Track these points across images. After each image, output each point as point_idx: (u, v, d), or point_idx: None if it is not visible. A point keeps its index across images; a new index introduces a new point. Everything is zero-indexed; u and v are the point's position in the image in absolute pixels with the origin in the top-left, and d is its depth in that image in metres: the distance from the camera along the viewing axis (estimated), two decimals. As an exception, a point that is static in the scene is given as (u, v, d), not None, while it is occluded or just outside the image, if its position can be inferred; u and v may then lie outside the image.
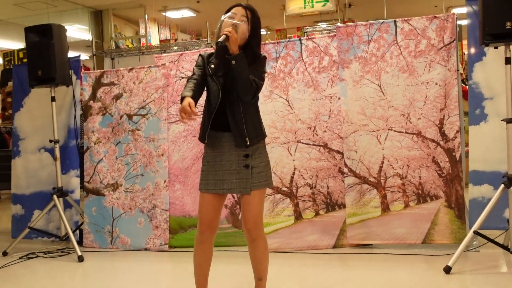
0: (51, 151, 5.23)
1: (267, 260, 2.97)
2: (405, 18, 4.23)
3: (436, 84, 4.12)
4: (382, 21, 4.32)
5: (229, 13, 2.80)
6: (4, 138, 7.95)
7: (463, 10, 4.27)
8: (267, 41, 4.71)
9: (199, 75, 2.85)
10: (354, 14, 11.55)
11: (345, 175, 4.32)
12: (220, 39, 2.66)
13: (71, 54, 5.07)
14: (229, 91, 2.78)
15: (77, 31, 9.56)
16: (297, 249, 4.36)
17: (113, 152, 4.94)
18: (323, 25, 8.20)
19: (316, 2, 8.70)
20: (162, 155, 4.76)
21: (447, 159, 4.11)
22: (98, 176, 4.96)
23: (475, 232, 3.63)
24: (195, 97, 2.74)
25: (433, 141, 4.14)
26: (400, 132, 4.21)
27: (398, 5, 11.36)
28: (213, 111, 2.80)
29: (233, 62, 2.69)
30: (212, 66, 2.82)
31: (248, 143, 2.79)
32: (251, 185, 2.82)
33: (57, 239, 5.09)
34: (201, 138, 2.89)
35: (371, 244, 4.29)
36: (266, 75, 4.43)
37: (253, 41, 2.82)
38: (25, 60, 7.41)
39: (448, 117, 4.10)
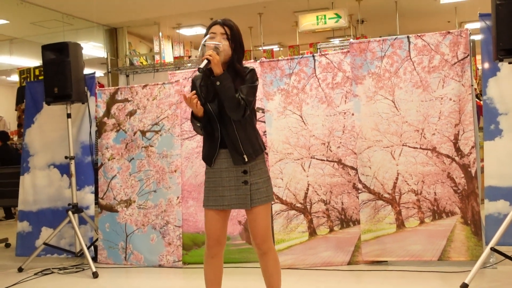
0: (60, 168, 5.25)
1: (279, 273, 2.96)
2: (419, 34, 4.22)
3: (451, 99, 4.09)
4: (395, 37, 4.31)
5: (209, 35, 2.83)
6: (19, 155, 8.02)
7: (476, 25, 4.25)
8: (280, 57, 4.72)
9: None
10: (366, 30, 11.56)
11: (359, 191, 4.29)
12: (201, 65, 2.69)
13: (86, 71, 5.12)
14: (221, 110, 2.80)
15: (92, 48, 9.66)
16: (312, 265, 4.32)
17: (127, 168, 4.95)
18: (336, 41, 8.22)
19: (329, 18, 8.73)
20: (175, 171, 4.76)
21: (462, 175, 4.06)
22: (111, 192, 4.98)
23: (492, 249, 3.58)
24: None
25: (448, 156, 4.10)
26: (414, 147, 4.18)
27: (410, 21, 11.35)
28: (219, 131, 2.82)
29: (217, 83, 2.71)
30: (203, 94, 2.84)
31: (246, 160, 2.81)
32: (251, 201, 2.83)
33: (72, 255, 5.09)
34: (208, 161, 2.91)
35: (386, 261, 4.24)
36: (279, 91, 4.45)
37: (235, 56, 2.84)
38: (41, 77, 7.49)
39: (463, 133, 4.06)
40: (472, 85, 4.09)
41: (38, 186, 5.31)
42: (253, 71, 2.86)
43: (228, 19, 2.87)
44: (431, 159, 4.14)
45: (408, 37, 4.21)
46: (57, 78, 4.80)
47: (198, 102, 2.74)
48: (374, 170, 4.25)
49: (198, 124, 2.83)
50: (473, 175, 4.04)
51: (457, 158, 4.08)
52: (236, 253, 4.56)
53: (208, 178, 2.94)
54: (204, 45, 2.80)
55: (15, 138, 9.15)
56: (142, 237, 4.82)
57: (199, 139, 4.69)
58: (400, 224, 4.21)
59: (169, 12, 8.74)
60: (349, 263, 4.29)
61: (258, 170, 2.88)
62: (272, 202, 2.98)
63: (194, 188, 4.73)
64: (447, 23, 11.90)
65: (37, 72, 8.14)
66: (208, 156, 2.90)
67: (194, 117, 2.83)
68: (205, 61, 2.71)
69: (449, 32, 4.11)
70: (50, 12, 8.03)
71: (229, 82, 2.72)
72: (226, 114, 2.79)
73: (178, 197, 4.73)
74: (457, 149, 4.07)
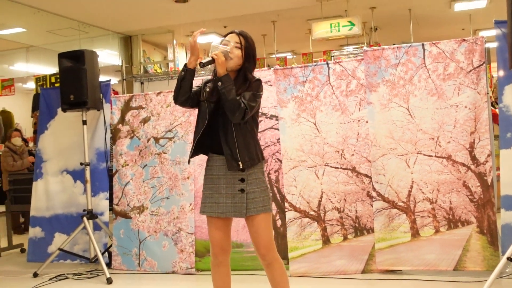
0: (73, 174, 5.27)
1: (286, 282, 2.93)
2: (433, 42, 4.18)
3: (466, 107, 4.04)
4: (410, 44, 4.28)
5: (223, 40, 2.88)
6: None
7: (491, 32, 4.21)
8: (293, 65, 4.71)
9: (194, 91, 2.92)
10: (380, 38, 11.52)
11: (373, 199, 4.25)
12: (203, 60, 2.76)
13: (101, 78, 5.15)
14: (222, 114, 2.82)
15: (108, 56, 9.73)
16: (325, 274, 4.28)
17: (140, 175, 4.96)
18: (349, 49, 8.19)
19: (343, 26, 8.70)
20: (188, 178, 4.76)
21: (478, 184, 4.01)
22: (125, 198, 4.98)
23: (509, 259, 3.51)
24: (191, 85, 2.86)
25: (463, 165, 4.05)
26: (429, 155, 4.14)
27: (424, 29, 11.30)
28: (199, 133, 2.86)
29: (219, 83, 2.74)
30: (207, 89, 2.88)
31: (241, 166, 2.79)
32: (246, 210, 2.81)
33: (86, 261, 5.10)
34: (188, 160, 3.01)
35: (401, 270, 4.19)
36: (292, 98, 4.44)
37: (246, 64, 2.88)
38: (57, 84, 7.56)
39: (478, 141, 4.01)
40: (487, 93, 4.04)
41: (51, 192, 5.32)
42: (259, 81, 2.89)
43: (244, 31, 2.93)
44: (446, 167, 4.09)
45: (423, 45, 4.18)
46: (73, 86, 4.83)
47: (196, 37, 2.79)
48: (388, 178, 4.21)
49: (182, 73, 2.82)
50: (489, 183, 3.98)
51: (472, 167, 4.03)
52: (249, 261, 4.54)
53: (205, 184, 2.95)
54: (214, 46, 2.83)
55: (31, 144, 9.22)
56: (155, 244, 4.81)
57: (212, 146, 4.67)
58: (415, 233, 4.16)
59: (183, 20, 8.78)
60: (363, 272, 4.24)
61: (256, 179, 2.86)
62: (271, 212, 2.96)
63: (208, 195, 4.71)
64: (461, 30, 11.82)
65: (53, 80, 8.22)
66: (189, 158, 2.97)
67: (184, 68, 2.85)
68: (209, 58, 2.77)
69: (464, 40, 4.08)
70: (66, 20, 8.10)
71: (230, 84, 2.75)
72: (227, 118, 2.79)
73: (190, 204, 4.72)
74: (473, 158, 4.02)
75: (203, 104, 2.88)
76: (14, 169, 6.97)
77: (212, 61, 2.77)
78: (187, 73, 2.83)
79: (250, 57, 2.89)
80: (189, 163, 3.08)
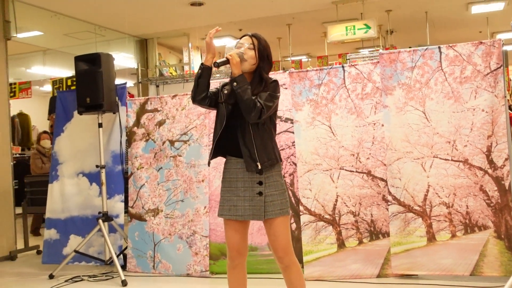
0: (89, 176, 5.30)
1: (303, 286, 2.94)
2: (450, 44, 4.15)
3: (483, 110, 4.00)
4: (426, 47, 4.25)
5: (237, 44, 2.93)
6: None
7: (509, 35, 4.17)
8: (309, 68, 4.70)
9: (212, 91, 2.96)
10: (396, 41, 11.45)
11: (389, 203, 4.23)
12: (218, 60, 2.80)
13: (117, 81, 5.18)
14: (240, 116, 2.83)
15: (123, 59, 9.79)
16: (340, 277, 4.26)
17: (155, 177, 4.98)
18: (365, 52, 8.15)
19: (358, 29, 8.67)
20: (203, 181, 4.77)
21: (495, 188, 3.97)
22: (140, 201, 5.01)
23: (527, 264, 3.47)
24: (208, 84, 2.90)
25: (480, 169, 4.01)
26: (445, 159, 4.10)
27: (440, 32, 11.21)
28: (217, 135, 2.87)
29: (234, 83, 2.77)
30: (225, 91, 2.90)
31: (259, 167, 2.79)
32: (265, 213, 2.81)
33: (101, 263, 5.13)
34: (208, 163, 3.02)
35: (417, 275, 4.16)
36: (308, 101, 4.43)
37: (261, 64, 2.91)
38: (73, 87, 7.63)
39: (496, 145, 3.97)
40: (505, 96, 4.00)
41: (66, 194, 5.36)
42: (276, 82, 2.91)
43: (257, 33, 2.97)
44: (463, 171, 4.05)
45: (439, 48, 4.15)
46: (89, 88, 4.87)
47: (212, 34, 2.84)
48: (404, 182, 4.19)
49: (199, 71, 2.86)
50: (506, 188, 3.94)
51: (490, 171, 3.99)
52: (264, 264, 4.53)
53: (223, 187, 2.96)
54: (228, 49, 2.89)
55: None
56: (169, 247, 4.83)
57: (227, 149, 4.68)
58: (431, 237, 4.12)
59: (198, 24, 8.81)
60: (378, 276, 4.22)
61: (274, 182, 2.86)
62: (289, 215, 2.97)
63: (222, 198, 4.72)
64: (478, 33, 11.71)
65: (69, 82, 8.29)
66: (209, 160, 2.98)
67: (200, 66, 2.88)
68: (224, 59, 2.81)
69: (481, 42, 4.04)
70: (82, 23, 8.17)
71: (245, 84, 2.77)
72: (245, 120, 2.81)
73: (205, 207, 4.73)
74: (490, 161, 3.98)
75: (221, 106, 2.91)
76: (42, 172, 7.04)
77: (227, 61, 2.81)
78: (204, 71, 2.86)
79: (264, 57, 2.91)
80: (209, 165, 3.07)
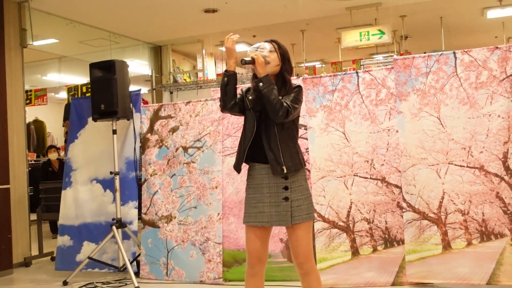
0: (103, 183, 5.31)
1: None
2: (465, 50, 4.12)
3: (499, 116, 3.96)
4: (440, 52, 4.22)
5: (258, 48, 2.94)
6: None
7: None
8: (323, 74, 4.69)
9: (239, 98, 2.96)
10: (410, 46, 11.39)
11: (403, 210, 4.19)
12: (245, 58, 2.83)
13: (131, 88, 5.21)
14: (265, 121, 2.85)
15: (138, 66, 9.85)
16: (354, 285, 4.23)
17: (168, 184, 4.99)
18: (379, 58, 8.12)
19: (372, 35, 8.63)
20: (216, 187, 4.77)
21: (512, 195, 3.92)
22: (153, 208, 5.02)
23: (545, 273, 3.42)
24: (235, 90, 2.89)
25: (496, 175, 3.96)
26: (461, 166, 4.06)
27: (455, 37, 11.13)
28: (249, 141, 2.87)
29: (260, 84, 2.78)
30: (250, 97, 2.91)
31: (285, 171, 2.78)
32: (291, 218, 2.80)
33: (114, 270, 5.14)
34: (236, 168, 2.97)
35: (432, 283, 4.11)
36: (321, 108, 4.42)
37: (284, 66, 2.93)
38: (88, 94, 7.69)
39: (512, 151, 3.92)
40: (522, 102, 3.95)
41: (80, 201, 5.37)
42: (300, 88, 2.93)
43: (275, 39, 3.00)
44: (479, 178, 4.01)
45: (454, 53, 4.12)
46: (104, 95, 4.90)
47: (234, 38, 2.84)
48: (419, 189, 4.15)
49: (225, 79, 2.85)
50: (523, 195, 3.88)
51: (506, 177, 3.93)
52: (277, 271, 4.51)
53: (248, 194, 2.95)
54: (251, 51, 2.90)
55: (62, 153, 9.39)
56: (182, 253, 4.83)
57: (240, 155, 4.68)
58: (446, 245, 4.08)
59: (212, 30, 8.84)
60: (393, 284, 4.18)
61: (299, 186, 2.86)
62: (314, 220, 2.96)
63: (236, 204, 4.72)
64: (494, 38, 11.61)
65: (84, 89, 8.35)
66: (238, 163, 2.94)
67: (225, 73, 2.88)
68: (249, 58, 2.83)
69: (497, 47, 4.00)
70: (97, 31, 8.24)
71: (271, 83, 2.79)
72: (271, 124, 2.82)
73: (218, 214, 4.73)
74: (506, 168, 3.93)
75: (248, 112, 2.92)
76: None
77: (253, 61, 2.83)
78: (230, 78, 2.87)
79: (285, 59, 2.95)
80: (239, 172, 3.00)
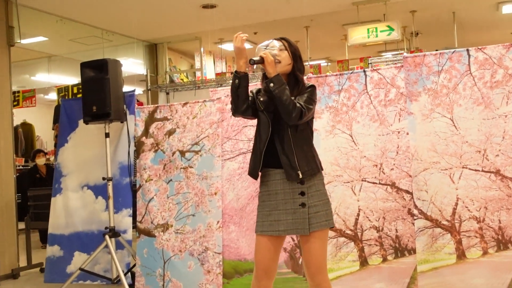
0: (94, 189, 5.32)
1: None
2: (479, 47, 4.12)
3: (516, 117, 3.96)
4: (453, 50, 4.23)
5: (267, 47, 2.94)
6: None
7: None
8: (328, 73, 4.70)
9: (250, 100, 2.94)
10: (421, 43, 11.40)
11: (415, 218, 4.18)
12: (254, 58, 2.82)
13: (125, 88, 5.22)
14: (278, 123, 2.85)
15: (132, 65, 9.87)
16: (362, 298, 4.23)
17: (164, 190, 4.99)
18: (388, 55, 8.13)
19: (381, 31, 8.65)
20: (215, 194, 4.77)
21: (530, 201, 3.91)
22: (149, 215, 5.02)
23: None
24: (247, 92, 2.88)
25: (514, 180, 3.96)
26: (476, 170, 4.06)
27: (469, 33, 11.14)
28: (264, 144, 2.86)
29: (271, 84, 2.77)
30: (262, 99, 2.91)
31: (300, 176, 2.77)
32: (309, 225, 2.78)
33: (107, 282, 5.14)
34: (253, 174, 2.95)
35: (445, 295, 4.11)
36: (327, 109, 4.42)
37: (295, 65, 2.93)
38: (79, 95, 7.70)
39: (530, 154, 3.92)
40: (540, 102, 3.96)
41: (70, 208, 5.37)
42: (313, 87, 2.93)
43: (285, 37, 3.00)
44: (495, 183, 4.00)
45: (467, 50, 4.12)
46: (96, 96, 4.91)
47: (244, 38, 2.82)
48: (431, 195, 4.14)
49: (236, 81, 2.84)
50: (542, 201, 3.88)
51: (524, 182, 3.93)
52: (280, 283, 4.50)
53: (262, 202, 2.93)
54: (259, 49, 2.90)
55: (52, 158, 9.41)
56: (180, 264, 4.83)
57: (241, 160, 4.70)
58: (461, 254, 4.07)
59: (211, 27, 8.85)
60: (404, 296, 4.17)
61: (317, 191, 2.86)
62: (333, 227, 2.95)
63: (236, 212, 4.72)
64: (510, 34, 11.62)
65: (75, 90, 8.38)
66: (254, 168, 2.92)
67: (235, 75, 2.86)
68: (258, 58, 2.83)
69: (513, 44, 4.01)
70: (89, 28, 8.26)
71: (283, 83, 2.78)
72: (284, 126, 2.82)
73: (218, 222, 4.73)
74: (524, 172, 3.93)
75: (261, 115, 2.92)
76: None
77: (262, 60, 2.82)
78: (242, 80, 2.85)
79: (297, 57, 2.95)
80: (256, 179, 2.99)
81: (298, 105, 2.76)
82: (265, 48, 2.88)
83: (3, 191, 5.92)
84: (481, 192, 4.04)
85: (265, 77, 2.88)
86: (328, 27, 10.33)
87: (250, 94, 2.98)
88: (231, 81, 2.92)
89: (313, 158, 2.90)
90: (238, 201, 4.72)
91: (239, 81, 2.84)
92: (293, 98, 2.78)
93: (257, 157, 2.90)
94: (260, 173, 2.96)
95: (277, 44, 2.92)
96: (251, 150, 3.01)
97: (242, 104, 2.87)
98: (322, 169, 2.96)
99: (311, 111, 2.86)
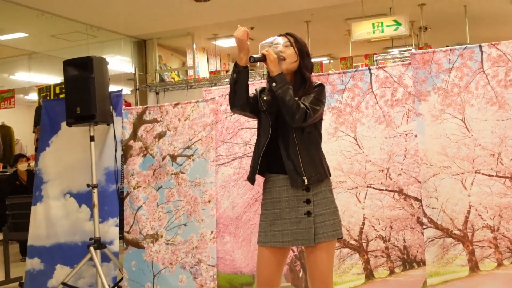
0: (78, 197, 5.30)
1: None
2: (492, 42, 4.13)
3: (533, 118, 3.97)
4: (464, 46, 4.24)
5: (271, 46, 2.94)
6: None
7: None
8: (331, 71, 4.71)
9: (252, 97, 2.95)
10: (430, 39, 11.45)
11: (424, 227, 4.19)
12: (255, 55, 2.81)
13: (112, 88, 5.21)
14: (282, 125, 2.85)
15: (119, 63, 9.89)
16: (368, 314, 4.23)
17: (154, 198, 4.98)
18: (395, 52, 8.15)
19: (387, 26, 8.68)
20: (209, 201, 4.76)
21: (548, 208, 3.92)
22: (137, 225, 5.01)
23: None
24: (247, 87, 2.87)
25: (530, 186, 3.97)
26: (489, 175, 4.06)
27: (482, 28, 11.19)
28: (263, 147, 2.87)
29: (273, 84, 2.78)
30: (265, 98, 2.91)
31: (306, 182, 2.77)
32: (315, 236, 2.78)
33: (92, 297, 5.14)
34: (250, 178, 2.96)
35: (457, 310, 4.11)
36: (329, 109, 4.43)
37: (302, 62, 2.93)
38: (62, 95, 7.69)
39: (548, 158, 3.93)
40: (558, 102, 3.97)
41: (52, 218, 5.35)
42: (322, 86, 2.94)
43: (290, 32, 3.01)
44: (510, 189, 4.01)
45: (480, 46, 4.13)
46: (79, 97, 4.91)
47: (246, 32, 2.81)
48: (441, 202, 4.15)
49: (234, 76, 2.84)
50: (561, 208, 3.89)
51: (542, 188, 3.94)
52: (279, 298, 4.50)
53: (265, 210, 2.92)
54: (262, 45, 2.91)
55: (32, 163, 9.40)
56: (171, 278, 4.82)
57: (236, 165, 4.69)
58: (474, 266, 4.08)
59: (204, 22, 8.88)
60: (413, 312, 4.17)
61: (323, 199, 2.86)
62: (341, 238, 2.95)
63: (231, 221, 4.71)
64: (525, 29, 11.69)
65: (57, 90, 8.37)
66: (252, 172, 2.94)
67: (234, 68, 2.86)
68: (260, 55, 2.83)
69: (529, 40, 4.02)
70: (72, 23, 8.27)
71: (286, 83, 2.78)
72: (288, 128, 2.83)
73: (212, 232, 4.72)
74: (542, 178, 3.94)
75: (262, 115, 2.93)
76: None
77: (264, 58, 2.82)
78: (240, 74, 2.84)
79: (304, 54, 2.95)
80: (253, 184, 3.00)
81: (302, 106, 2.76)
82: (269, 46, 2.89)
83: (-20, 200, 5.91)
84: (495, 199, 4.04)
85: (269, 76, 2.88)
86: (330, 22, 10.36)
87: (253, 92, 2.99)
88: (226, 80, 2.93)
89: (320, 162, 2.89)
90: (234, 209, 4.72)
91: (238, 76, 2.84)
92: (297, 98, 2.79)
93: (255, 160, 2.91)
94: (264, 179, 2.97)
95: (281, 41, 2.93)
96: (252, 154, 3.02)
97: (239, 100, 2.88)
98: (330, 175, 2.96)
99: (317, 113, 2.86)
